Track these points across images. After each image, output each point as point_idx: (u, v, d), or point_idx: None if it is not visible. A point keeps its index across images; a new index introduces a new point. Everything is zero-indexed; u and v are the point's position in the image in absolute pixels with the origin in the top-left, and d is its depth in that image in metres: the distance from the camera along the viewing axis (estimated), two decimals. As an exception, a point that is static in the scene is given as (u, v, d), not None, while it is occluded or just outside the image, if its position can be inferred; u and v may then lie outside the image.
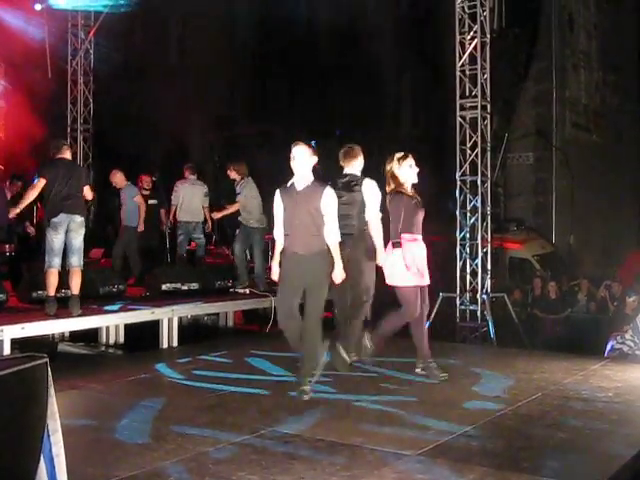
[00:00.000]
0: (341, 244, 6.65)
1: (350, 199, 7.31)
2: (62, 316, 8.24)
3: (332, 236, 6.39)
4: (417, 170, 6.88)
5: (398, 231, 6.71)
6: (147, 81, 20.51)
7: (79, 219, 8.35)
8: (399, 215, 6.69)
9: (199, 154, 20.53)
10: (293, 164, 6.39)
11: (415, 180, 6.84)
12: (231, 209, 11.30)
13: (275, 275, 6.63)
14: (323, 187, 6.41)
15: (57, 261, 8.26)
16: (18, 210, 8.90)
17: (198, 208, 11.83)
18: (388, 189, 7.03)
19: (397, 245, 6.70)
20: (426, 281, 6.96)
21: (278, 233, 6.56)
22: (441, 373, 7.08)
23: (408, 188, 6.81)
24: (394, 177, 6.79)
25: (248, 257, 12.12)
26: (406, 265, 6.67)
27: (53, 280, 8.27)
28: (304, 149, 6.40)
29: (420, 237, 6.86)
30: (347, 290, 7.29)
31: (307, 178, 6.41)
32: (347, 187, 7.38)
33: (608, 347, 9.87)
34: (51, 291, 8.27)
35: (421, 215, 6.85)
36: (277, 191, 6.58)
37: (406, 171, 6.73)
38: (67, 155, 8.63)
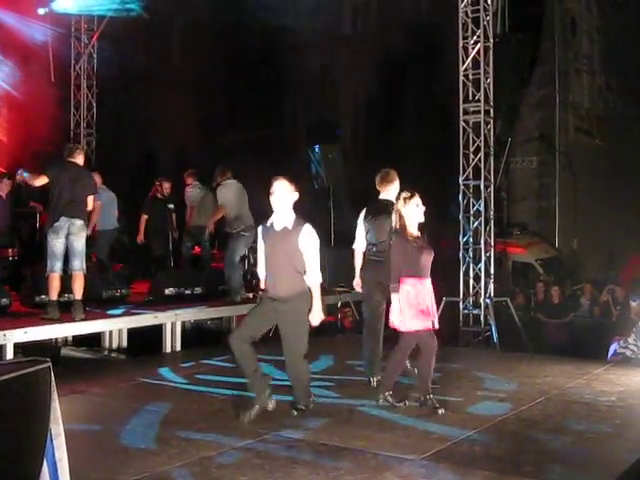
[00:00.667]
0: (374, 268, 7.21)
1: (384, 224, 7.25)
2: (65, 320, 8.24)
3: (312, 276, 6.10)
4: (424, 209, 6.67)
5: (396, 276, 6.53)
6: (150, 86, 20.54)
7: (79, 222, 8.33)
8: (397, 260, 6.52)
9: (202, 158, 20.56)
10: (272, 199, 6.12)
11: (421, 219, 6.63)
12: (216, 216, 10.79)
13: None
14: (301, 225, 6.11)
15: (59, 265, 8.26)
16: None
17: (209, 212, 11.54)
18: (394, 227, 6.82)
19: (394, 290, 6.51)
20: (426, 324, 6.48)
21: (260, 273, 6.40)
22: (439, 409, 6.77)
23: (413, 228, 6.60)
24: (401, 217, 6.62)
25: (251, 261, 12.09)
26: (399, 309, 6.50)
27: (55, 284, 8.27)
28: (285, 184, 6.11)
29: (425, 280, 6.51)
30: (382, 314, 7.31)
31: (286, 216, 6.13)
32: (381, 212, 7.35)
33: (611, 350, 9.86)
34: (53, 295, 8.27)
35: (426, 256, 6.50)
36: (259, 228, 6.41)
37: (412, 210, 6.55)
38: (79, 160, 8.57)
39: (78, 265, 8.35)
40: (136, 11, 15.68)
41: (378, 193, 7.57)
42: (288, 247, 6.05)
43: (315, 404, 6.54)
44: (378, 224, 7.34)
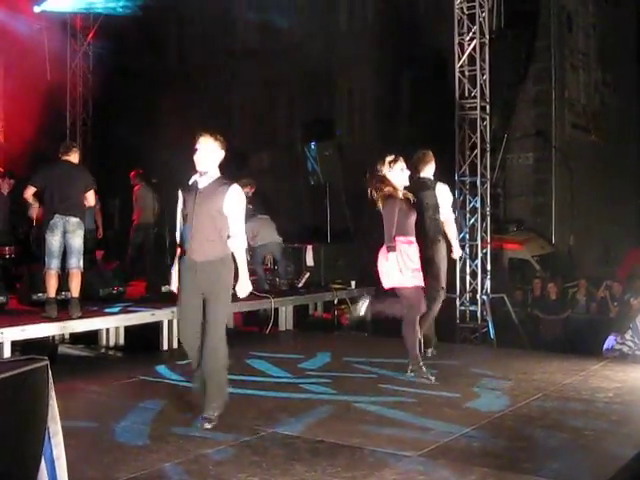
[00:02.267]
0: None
1: (425, 201, 7.76)
2: (62, 318, 8.24)
3: (237, 242, 5.61)
4: (408, 173, 6.85)
5: (392, 235, 6.67)
6: (146, 83, 20.48)
7: (74, 220, 8.32)
8: (392, 219, 6.66)
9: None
10: (196, 157, 5.62)
11: (406, 183, 6.80)
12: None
13: (173, 285, 5.90)
14: (228, 185, 5.60)
15: (56, 263, 8.26)
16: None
17: (153, 211, 12.71)
18: (380, 193, 6.98)
19: (392, 249, 6.65)
20: (422, 280, 6.94)
21: (178, 236, 5.85)
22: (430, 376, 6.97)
23: (400, 191, 6.77)
24: (386, 180, 6.75)
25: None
26: (399, 269, 6.63)
27: (53, 282, 8.27)
28: (210, 140, 5.62)
29: (414, 239, 6.83)
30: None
31: (211, 175, 5.62)
32: (422, 190, 7.76)
33: (606, 344, 9.88)
34: (51, 293, 8.26)
35: (413, 217, 6.82)
36: (179, 190, 5.84)
37: (397, 174, 6.71)
38: (72, 158, 8.58)
39: (75, 263, 8.35)
40: (132, 9, 15.66)
41: (416, 172, 7.91)
42: (211, 208, 5.52)
43: (312, 400, 6.55)
44: (422, 200, 7.76)
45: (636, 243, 19.73)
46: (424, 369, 7.08)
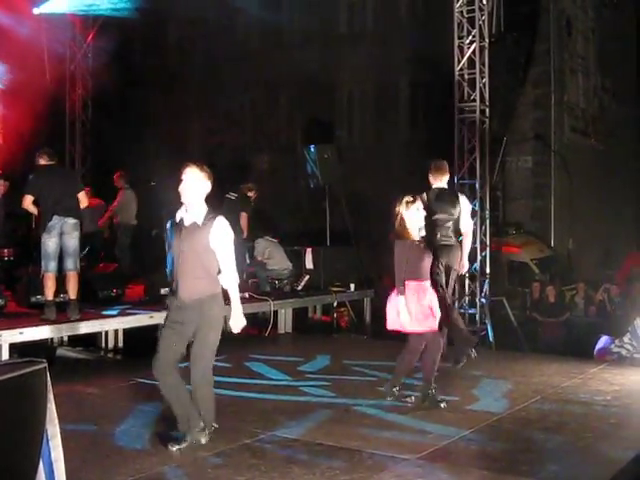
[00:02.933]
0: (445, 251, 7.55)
1: (447, 212, 8.05)
2: (61, 321, 8.23)
3: (228, 278, 5.37)
4: (424, 214, 6.75)
5: (402, 277, 6.61)
6: (145, 85, 20.50)
7: (72, 221, 8.33)
8: (401, 263, 6.60)
9: (198, 157, 20.51)
10: (181, 189, 5.34)
11: (422, 224, 6.70)
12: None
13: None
14: (213, 219, 5.32)
15: (53, 265, 8.25)
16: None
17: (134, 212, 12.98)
18: (393, 233, 6.90)
19: (401, 292, 6.57)
20: (430, 324, 6.59)
21: (169, 274, 5.59)
22: (441, 403, 6.72)
23: (414, 231, 6.66)
24: (402, 220, 6.68)
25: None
26: (409, 312, 6.55)
27: (51, 284, 8.27)
28: (196, 172, 5.33)
29: (426, 282, 6.63)
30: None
31: (197, 209, 5.36)
32: (442, 200, 8.06)
33: (598, 345, 9.90)
34: (50, 295, 8.26)
35: (427, 259, 6.64)
36: (168, 223, 5.57)
37: (413, 214, 6.63)
38: (54, 161, 8.63)
39: (72, 265, 8.35)
40: (131, 11, 15.66)
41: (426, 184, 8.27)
42: (197, 245, 5.30)
43: (311, 403, 6.55)
44: (443, 211, 8.10)
45: (634, 247, 19.76)
46: (395, 393, 6.87)
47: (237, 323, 5.45)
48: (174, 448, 5.23)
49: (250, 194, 11.88)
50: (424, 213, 6.74)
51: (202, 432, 5.31)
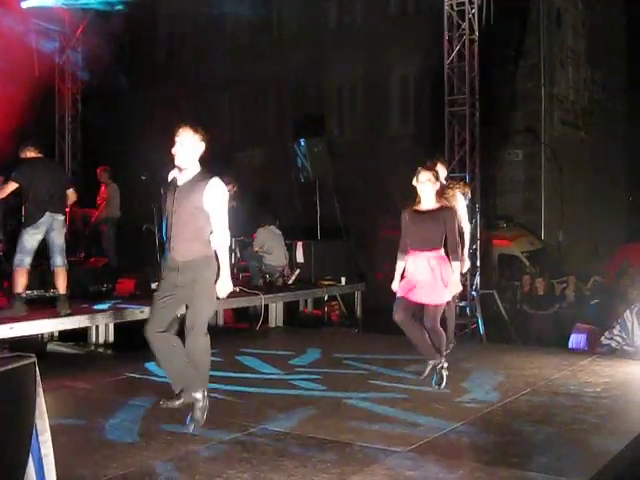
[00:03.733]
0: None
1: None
2: (51, 316, 8.21)
3: (219, 239, 5.31)
4: (424, 185, 6.68)
5: (401, 246, 6.68)
6: (135, 80, 20.44)
7: (61, 218, 8.28)
8: (403, 230, 6.67)
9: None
10: (175, 150, 5.32)
11: (424, 193, 6.65)
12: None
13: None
14: (208, 179, 5.30)
15: (28, 260, 8.11)
16: None
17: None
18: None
19: (400, 259, 6.67)
20: (416, 296, 6.56)
21: (164, 235, 5.54)
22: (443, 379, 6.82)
23: (422, 201, 6.67)
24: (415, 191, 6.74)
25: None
26: (409, 281, 6.62)
27: (22, 280, 8.12)
28: (190, 133, 5.33)
29: (424, 252, 6.56)
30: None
31: (191, 170, 5.34)
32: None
33: (573, 340, 9.97)
34: (20, 289, 8.14)
35: (427, 228, 6.57)
36: (162, 184, 5.63)
37: (418, 186, 6.66)
38: (42, 154, 8.57)
39: (60, 261, 8.27)
40: (120, 5, 15.59)
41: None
42: (190, 205, 5.24)
43: (303, 397, 6.55)
44: None
45: (625, 240, 19.83)
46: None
47: (224, 287, 5.35)
48: (163, 404, 5.33)
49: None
50: (424, 183, 6.61)
51: (198, 390, 5.33)
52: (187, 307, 5.37)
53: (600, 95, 22.94)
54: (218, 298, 5.44)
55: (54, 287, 8.54)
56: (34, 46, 15.50)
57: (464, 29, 12.15)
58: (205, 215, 5.28)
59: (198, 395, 5.33)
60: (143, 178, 12.96)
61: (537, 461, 4.89)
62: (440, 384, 6.68)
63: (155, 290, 5.55)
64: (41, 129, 15.80)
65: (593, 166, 21.20)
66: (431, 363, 6.76)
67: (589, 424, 5.73)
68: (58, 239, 8.25)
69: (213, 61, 21.42)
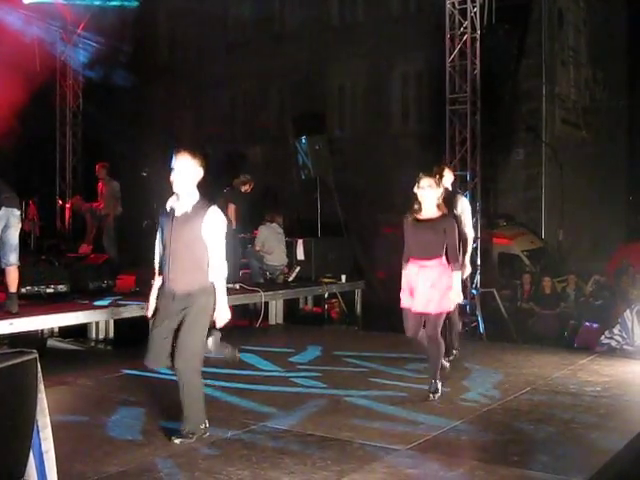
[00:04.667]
0: None
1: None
2: (51, 312, 8.21)
3: (217, 270, 5.21)
4: (425, 191, 6.62)
5: (404, 255, 6.64)
6: (137, 76, 20.43)
7: (17, 213, 8.16)
8: (405, 240, 6.63)
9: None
10: (173, 177, 5.19)
11: (425, 200, 6.58)
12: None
13: (149, 311, 5.47)
14: (206, 209, 5.18)
15: None
16: None
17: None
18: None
19: (404, 268, 6.61)
20: (418, 305, 6.45)
21: (157, 262, 5.50)
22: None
23: (423, 208, 6.60)
24: (415, 200, 6.67)
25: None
26: (402, 288, 6.58)
27: None
28: (188, 158, 5.19)
29: (424, 261, 6.47)
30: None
31: (188, 198, 5.22)
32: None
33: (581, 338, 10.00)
34: None
35: (427, 238, 6.47)
36: (160, 213, 5.46)
37: (420, 192, 6.59)
38: None
39: (14, 259, 7.95)
40: (120, 2, 15.59)
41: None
42: (189, 235, 5.17)
43: (302, 395, 6.55)
44: None
45: (625, 238, 19.82)
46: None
47: (222, 316, 5.26)
48: (177, 441, 5.14)
49: (245, 187, 11.88)
50: (425, 190, 6.55)
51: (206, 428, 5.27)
52: (179, 331, 5.18)
53: (601, 94, 22.93)
54: (214, 328, 5.33)
55: (55, 283, 8.48)
56: (35, 42, 15.48)
57: (466, 27, 12.13)
58: (203, 244, 5.19)
59: (188, 429, 5.20)
60: (144, 174, 12.97)
61: (537, 460, 4.89)
62: (434, 393, 6.52)
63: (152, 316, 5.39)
64: (42, 125, 15.81)
65: (594, 165, 21.19)
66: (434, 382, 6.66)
67: (589, 423, 5.73)
68: (12, 236, 7.91)
69: (215, 58, 21.38)
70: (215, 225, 5.21)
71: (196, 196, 5.25)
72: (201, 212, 5.18)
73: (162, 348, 5.20)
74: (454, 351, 7.85)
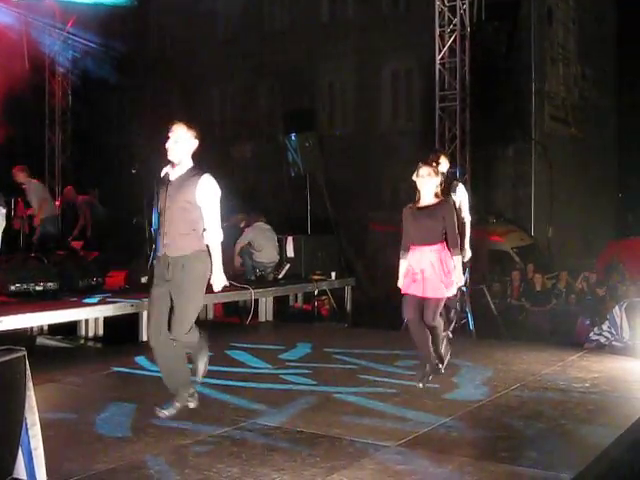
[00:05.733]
0: None
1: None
2: (40, 309, 8.18)
3: (212, 234, 5.35)
4: (424, 179, 6.64)
5: (403, 243, 6.70)
6: (127, 73, 20.38)
7: (3, 211, 8.14)
8: (403, 227, 6.70)
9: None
10: (168, 146, 5.36)
11: (424, 188, 6.63)
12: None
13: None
14: (200, 174, 5.34)
15: None
16: None
17: None
18: None
19: (402, 257, 6.69)
20: (418, 290, 6.52)
21: (155, 230, 5.65)
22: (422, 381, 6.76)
23: (421, 196, 6.66)
24: (416, 189, 6.74)
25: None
26: (403, 273, 6.65)
27: None
28: (183, 129, 5.38)
29: (424, 247, 6.53)
30: None
31: (183, 165, 5.38)
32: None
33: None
34: None
35: (426, 225, 6.54)
36: (155, 180, 5.66)
37: (418, 180, 6.65)
38: None
39: None
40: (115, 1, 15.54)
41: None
42: (183, 199, 5.28)
43: (292, 392, 6.55)
44: None
45: (614, 235, 19.91)
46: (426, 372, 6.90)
47: (218, 281, 5.39)
48: (161, 414, 5.36)
49: (242, 225, 12.10)
50: (423, 178, 6.59)
51: (192, 397, 5.52)
52: (175, 299, 5.31)
53: (590, 92, 23.01)
54: (211, 292, 5.47)
55: (45, 280, 8.46)
56: (24, 39, 15.41)
57: (455, 25, 12.15)
58: (198, 210, 5.30)
59: (191, 404, 5.52)
60: (133, 171, 12.92)
61: (526, 456, 4.90)
62: (422, 381, 6.61)
63: (148, 286, 5.55)
64: (31, 123, 15.74)
65: (583, 162, 21.27)
66: (428, 367, 6.74)
67: (578, 419, 5.75)
68: None
69: (204, 55, 21.37)
70: (209, 191, 5.32)
71: (190, 164, 5.40)
72: (195, 178, 5.31)
73: (160, 320, 5.33)
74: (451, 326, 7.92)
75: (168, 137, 5.35)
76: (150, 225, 12.42)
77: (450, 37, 12.23)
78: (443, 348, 6.93)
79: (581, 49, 22.38)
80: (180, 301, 5.29)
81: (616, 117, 23.37)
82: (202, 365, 5.59)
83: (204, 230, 5.35)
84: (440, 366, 6.84)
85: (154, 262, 5.56)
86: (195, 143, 5.42)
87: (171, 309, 5.34)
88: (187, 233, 5.30)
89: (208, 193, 5.32)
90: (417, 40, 15.90)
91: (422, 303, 6.56)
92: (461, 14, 12.13)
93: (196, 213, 5.31)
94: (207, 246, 5.38)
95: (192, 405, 5.54)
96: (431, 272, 6.49)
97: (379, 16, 20.08)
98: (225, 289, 9.33)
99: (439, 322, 6.69)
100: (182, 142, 5.35)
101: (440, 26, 12.32)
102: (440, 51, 12.32)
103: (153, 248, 5.69)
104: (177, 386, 5.50)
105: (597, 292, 13.34)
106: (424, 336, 6.64)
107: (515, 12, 19.22)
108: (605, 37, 23.37)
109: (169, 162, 5.42)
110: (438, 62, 12.35)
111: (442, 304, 6.67)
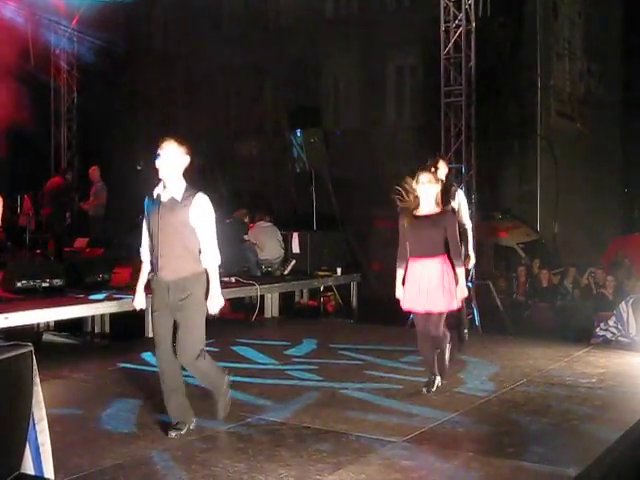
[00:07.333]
0: None
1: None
2: (47, 305, 8.20)
3: (209, 257, 5.16)
4: (424, 186, 6.45)
5: (400, 253, 6.44)
6: (131, 70, 20.38)
7: None
8: (400, 237, 6.43)
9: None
10: (159, 164, 5.12)
11: (424, 196, 6.41)
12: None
13: (136, 302, 5.51)
14: (193, 195, 5.14)
15: None
16: None
17: None
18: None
19: (399, 267, 6.41)
20: (421, 305, 6.30)
21: (143, 253, 5.40)
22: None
23: (420, 204, 6.43)
24: (409, 193, 6.47)
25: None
26: (402, 287, 6.40)
27: None
28: (174, 146, 5.15)
29: (426, 260, 6.26)
30: None
31: (175, 185, 5.16)
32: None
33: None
34: None
35: (428, 235, 6.27)
36: (145, 199, 5.34)
37: (418, 187, 6.42)
38: None
39: None
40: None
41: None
42: (177, 222, 5.08)
43: (298, 387, 6.56)
44: None
45: (619, 231, 19.85)
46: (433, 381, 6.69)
47: (215, 304, 5.21)
48: (173, 434, 5.14)
49: (246, 220, 12.20)
50: (425, 185, 6.38)
51: (192, 419, 5.33)
52: (178, 326, 5.17)
53: (596, 87, 22.93)
54: (209, 315, 5.30)
55: (53, 277, 8.48)
56: (30, 36, 15.43)
57: (460, 20, 12.11)
58: (192, 230, 5.13)
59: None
60: (139, 168, 12.92)
61: (532, 451, 4.91)
62: (427, 388, 6.46)
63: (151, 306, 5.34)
64: (36, 120, 15.74)
65: (589, 158, 21.19)
66: (433, 377, 6.61)
67: (584, 414, 5.75)
68: None
69: (209, 51, 21.33)
70: (203, 211, 5.15)
71: (183, 183, 5.20)
72: (189, 198, 5.13)
73: (166, 338, 5.19)
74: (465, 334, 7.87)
75: (158, 154, 5.14)
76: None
77: (455, 32, 12.18)
78: (447, 361, 6.70)
79: (587, 44, 22.29)
80: (186, 327, 5.14)
81: (622, 112, 23.27)
82: (222, 404, 5.42)
83: (199, 252, 5.18)
84: (438, 379, 6.57)
85: (151, 284, 5.30)
86: (187, 160, 5.20)
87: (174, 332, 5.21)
88: (183, 255, 5.13)
89: (202, 213, 5.15)
90: (422, 36, 15.85)
91: (426, 316, 6.36)
92: (466, 9, 12.09)
93: (191, 233, 5.13)
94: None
95: (192, 426, 5.30)
96: (433, 286, 6.22)
97: (384, 11, 20.03)
98: (230, 285, 9.39)
99: (444, 333, 6.49)
100: (173, 159, 5.13)
101: (445, 21, 12.27)
102: (445, 46, 12.28)
103: (141, 269, 5.45)
104: (184, 411, 5.29)
105: (604, 293, 13.26)
106: (432, 350, 6.47)
107: (520, 7, 19.15)
108: (611, 31, 23.26)
109: (160, 181, 5.21)
110: (443, 57, 12.31)
111: (445, 316, 6.42)
